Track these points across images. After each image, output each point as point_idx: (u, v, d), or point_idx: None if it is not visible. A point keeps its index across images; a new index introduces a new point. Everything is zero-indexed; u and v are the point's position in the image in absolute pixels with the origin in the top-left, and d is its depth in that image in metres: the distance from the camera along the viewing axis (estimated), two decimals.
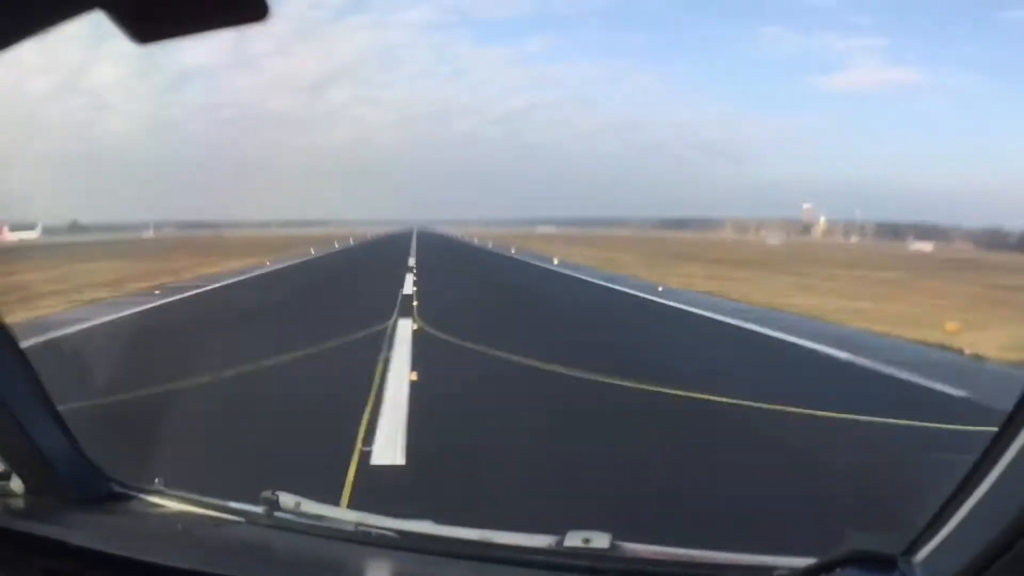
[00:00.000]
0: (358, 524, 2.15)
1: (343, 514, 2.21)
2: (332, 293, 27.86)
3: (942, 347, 15.22)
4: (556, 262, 44.62)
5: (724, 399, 10.20)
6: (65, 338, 16.05)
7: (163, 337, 16.65)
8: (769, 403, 9.84)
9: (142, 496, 2.54)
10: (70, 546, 2.08)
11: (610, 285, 29.93)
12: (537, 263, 45.41)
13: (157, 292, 26.50)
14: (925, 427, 8.99)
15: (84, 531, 2.23)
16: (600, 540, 1.85)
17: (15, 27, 1.33)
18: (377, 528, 2.11)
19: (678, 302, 23.73)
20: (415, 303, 21.16)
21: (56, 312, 20.44)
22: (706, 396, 10.36)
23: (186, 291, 27.40)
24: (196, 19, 1.31)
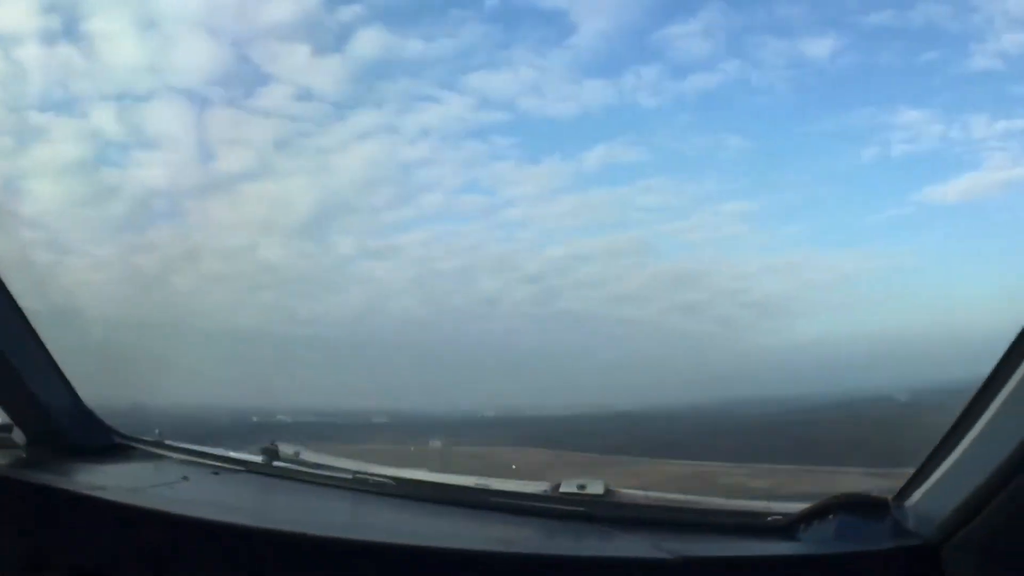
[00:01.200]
0: (356, 473, 2.16)
1: (341, 463, 2.23)
2: None
3: None
4: None
5: None
6: None
7: None
8: None
9: (143, 447, 2.56)
10: (72, 495, 2.10)
11: None
12: None
13: None
14: None
15: (85, 480, 2.25)
16: (595, 486, 1.86)
17: None
18: (374, 476, 2.13)
19: None
20: None
21: None
22: None
23: None
24: None
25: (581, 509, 1.86)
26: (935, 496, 1.51)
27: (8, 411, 2.47)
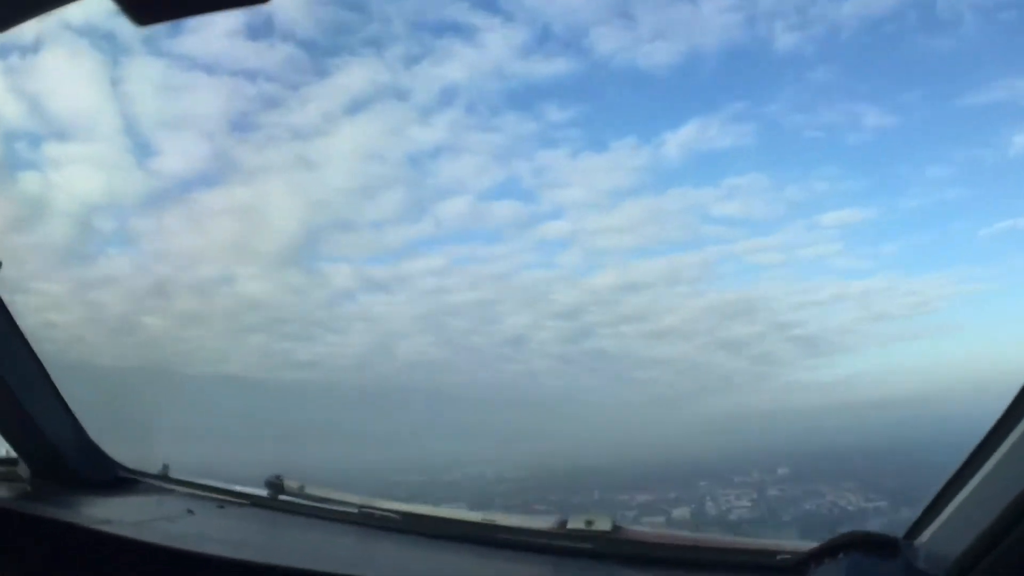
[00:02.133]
0: (361, 507, 2.15)
1: (346, 497, 2.21)
2: None
3: None
4: None
5: None
6: None
7: None
8: None
9: (147, 480, 2.56)
10: (77, 528, 2.10)
11: None
12: None
13: None
14: None
15: (90, 514, 2.25)
16: (602, 523, 1.84)
17: (18, 7, 1.32)
18: (380, 511, 2.12)
19: None
20: None
21: None
22: None
23: None
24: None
25: (588, 546, 1.84)
26: (946, 534, 1.51)
27: (13, 444, 2.47)
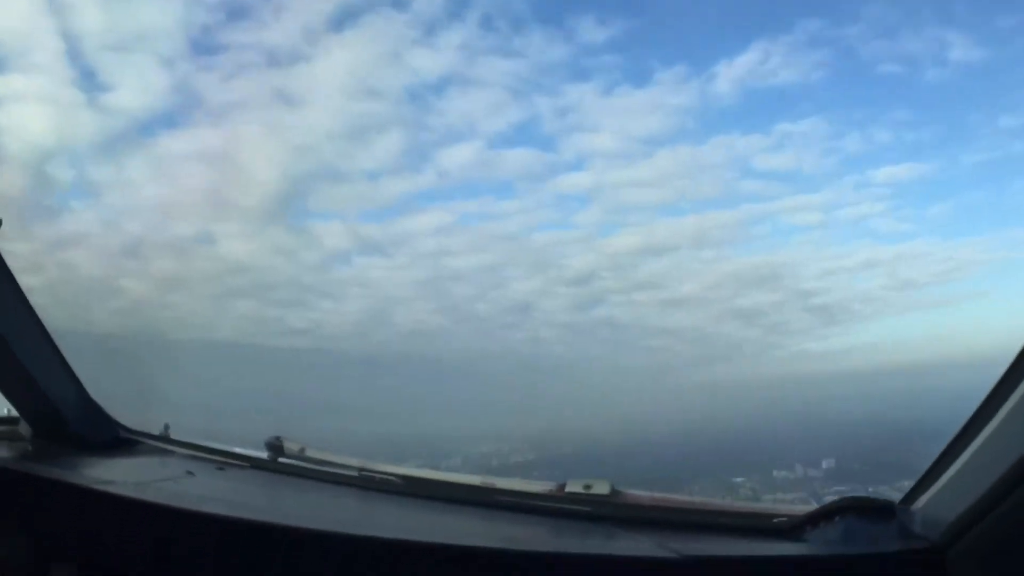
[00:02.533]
0: (361, 470, 2.17)
1: (346, 460, 2.23)
2: None
3: None
4: None
5: None
6: None
7: None
8: None
9: (148, 441, 2.58)
10: (78, 488, 2.11)
11: None
12: None
13: None
14: None
15: (91, 474, 2.26)
16: (600, 487, 1.86)
17: None
18: (380, 474, 2.13)
19: None
20: None
21: None
22: None
23: None
24: None
25: (587, 508, 1.86)
26: (942, 500, 1.52)
27: (15, 404, 2.48)
